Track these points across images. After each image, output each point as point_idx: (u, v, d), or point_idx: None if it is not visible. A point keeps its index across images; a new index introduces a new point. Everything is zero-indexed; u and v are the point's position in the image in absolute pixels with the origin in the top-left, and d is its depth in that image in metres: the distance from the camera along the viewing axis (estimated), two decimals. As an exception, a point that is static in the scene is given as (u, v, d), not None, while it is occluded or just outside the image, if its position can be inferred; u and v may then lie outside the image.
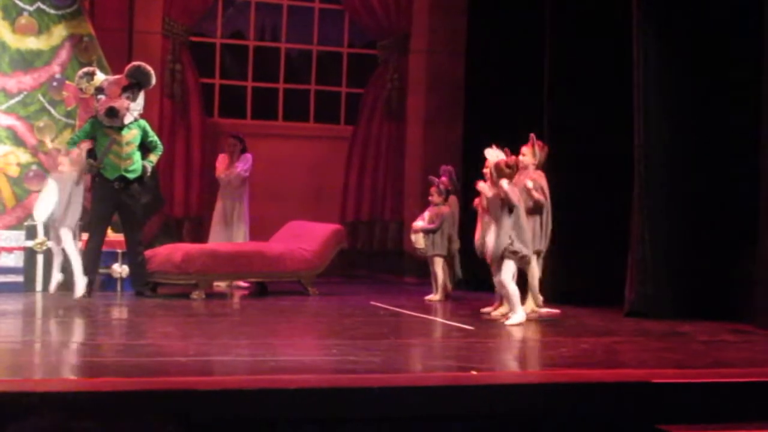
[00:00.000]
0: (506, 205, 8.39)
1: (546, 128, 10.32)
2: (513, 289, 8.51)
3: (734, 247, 8.97)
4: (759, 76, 8.53)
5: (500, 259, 8.46)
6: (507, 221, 8.43)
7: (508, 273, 8.49)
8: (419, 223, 10.67)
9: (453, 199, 10.68)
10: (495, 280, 8.68)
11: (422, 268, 11.37)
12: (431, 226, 10.54)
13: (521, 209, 8.51)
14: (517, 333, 8.19)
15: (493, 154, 8.52)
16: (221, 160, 12.02)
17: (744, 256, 8.75)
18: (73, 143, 10.29)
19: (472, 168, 10.38)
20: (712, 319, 8.70)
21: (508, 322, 8.46)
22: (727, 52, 9.09)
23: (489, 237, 8.54)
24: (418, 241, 10.60)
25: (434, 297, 10.55)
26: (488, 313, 9.12)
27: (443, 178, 10.63)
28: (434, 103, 13.82)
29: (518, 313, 8.52)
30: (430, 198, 10.69)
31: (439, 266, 10.56)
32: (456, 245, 10.58)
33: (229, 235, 11.81)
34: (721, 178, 9.07)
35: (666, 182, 9.21)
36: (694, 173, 9.17)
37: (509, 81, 11.55)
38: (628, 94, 9.36)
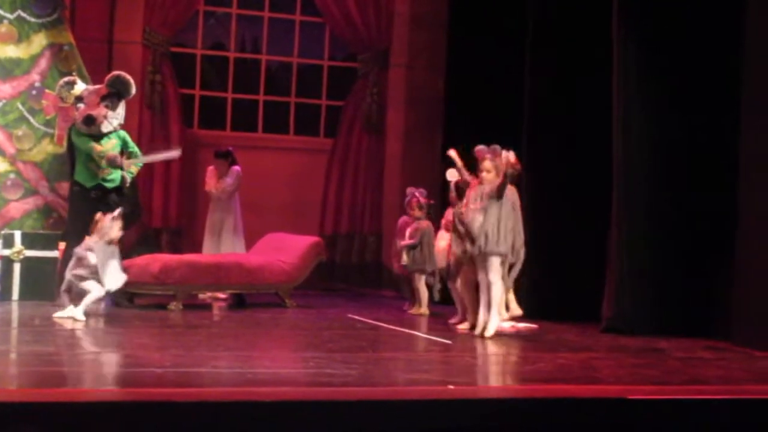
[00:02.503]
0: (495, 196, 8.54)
1: (525, 142, 10.34)
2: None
3: (711, 264, 9.00)
4: (738, 95, 8.58)
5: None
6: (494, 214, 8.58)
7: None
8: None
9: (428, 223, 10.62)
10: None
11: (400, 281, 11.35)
12: (411, 242, 10.53)
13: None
14: (495, 348, 8.20)
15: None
16: (210, 174, 11.88)
17: (721, 274, 8.78)
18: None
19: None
20: (689, 335, 8.73)
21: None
22: (708, 71, 9.13)
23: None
24: (403, 257, 10.62)
25: (416, 310, 10.56)
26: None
27: (414, 200, 10.57)
28: (413, 117, 13.84)
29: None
30: (411, 212, 10.65)
31: (419, 281, 10.56)
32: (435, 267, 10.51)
33: (217, 247, 11.73)
34: (698, 196, 9.10)
35: (644, 199, 9.24)
36: (672, 191, 9.20)
37: (489, 96, 11.55)
38: (610, 109, 9.39)
